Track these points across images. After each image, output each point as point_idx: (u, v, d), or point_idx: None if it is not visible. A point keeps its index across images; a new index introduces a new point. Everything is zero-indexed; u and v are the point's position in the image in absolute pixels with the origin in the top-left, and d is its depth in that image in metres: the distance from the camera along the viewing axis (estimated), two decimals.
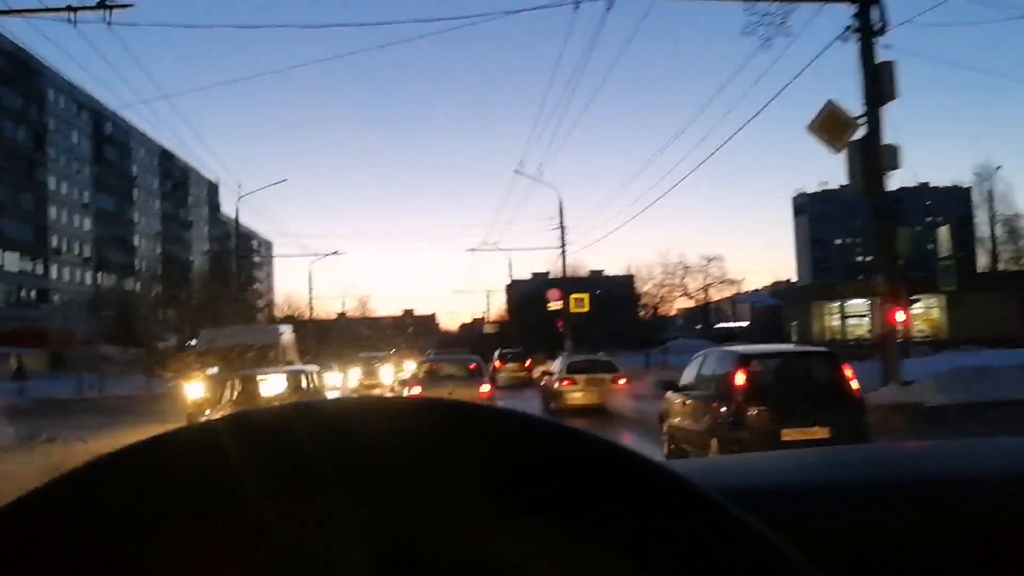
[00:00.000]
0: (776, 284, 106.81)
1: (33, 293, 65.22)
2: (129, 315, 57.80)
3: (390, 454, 0.65)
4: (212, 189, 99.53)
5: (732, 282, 68.61)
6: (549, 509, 0.65)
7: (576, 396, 22.44)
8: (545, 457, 0.64)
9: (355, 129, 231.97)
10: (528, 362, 42.31)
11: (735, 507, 0.62)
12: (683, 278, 61.10)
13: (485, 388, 19.90)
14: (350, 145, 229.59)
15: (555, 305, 46.31)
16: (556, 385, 23.27)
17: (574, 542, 0.72)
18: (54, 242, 67.63)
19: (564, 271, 45.43)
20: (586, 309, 44.27)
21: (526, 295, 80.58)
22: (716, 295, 64.84)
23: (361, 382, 37.63)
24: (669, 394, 13.10)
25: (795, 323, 46.26)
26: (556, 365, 24.81)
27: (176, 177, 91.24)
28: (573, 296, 44.39)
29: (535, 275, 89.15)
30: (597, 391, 22.38)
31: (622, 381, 22.76)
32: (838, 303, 43.14)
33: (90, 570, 0.61)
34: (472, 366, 21.44)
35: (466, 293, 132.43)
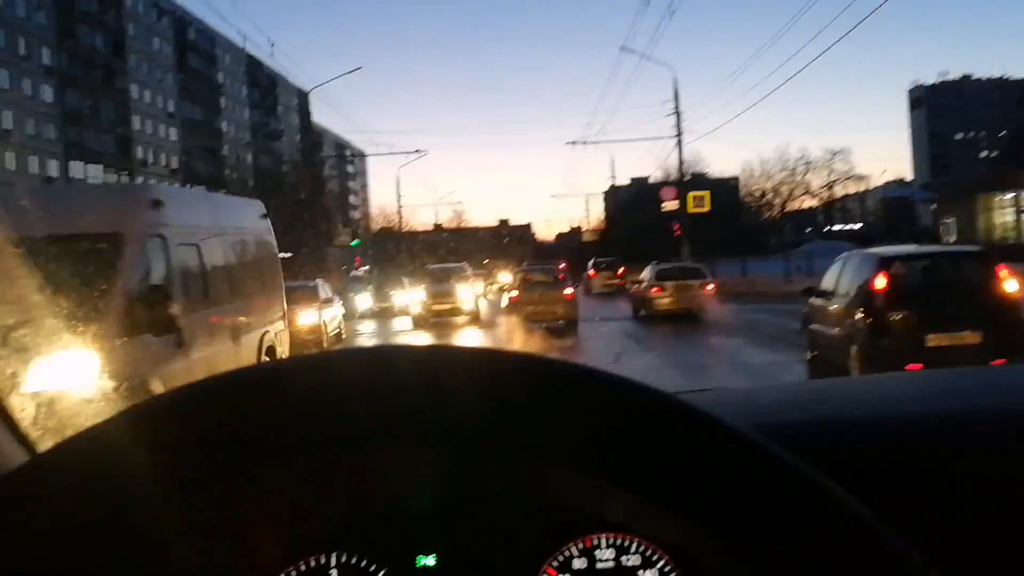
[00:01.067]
0: (886, 185, 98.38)
1: None
2: None
3: (478, 413, 0.64)
4: (302, 97, 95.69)
5: (860, 178, 61.69)
6: (623, 472, 0.64)
7: (664, 302, 23.29)
8: (624, 421, 0.63)
9: (440, 17, 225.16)
10: (621, 270, 41.98)
11: (822, 477, 0.61)
12: (805, 175, 54.79)
13: (568, 291, 23.15)
14: (437, 39, 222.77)
15: (670, 205, 40.39)
16: (645, 292, 24.29)
17: (646, 505, 0.73)
18: (139, 153, 64.87)
19: (680, 163, 39.22)
20: (707, 209, 38.05)
21: (627, 201, 75.25)
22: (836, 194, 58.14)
23: (428, 305, 26.55)
24: (812, 299, 12.41)
25: (947, 221, 39.57)
26: (646, 273, 25.42)
27: (264, 85, 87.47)
28: (692, 194, 38.37)
29: (635, 180, 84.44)
30: (685, 297, 23.13)
31: (710, 287, 23.43)
32: (1012, 195, 35.91)
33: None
34: (560, 276, 24.20)
35: (563, 199, 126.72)
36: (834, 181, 55.46)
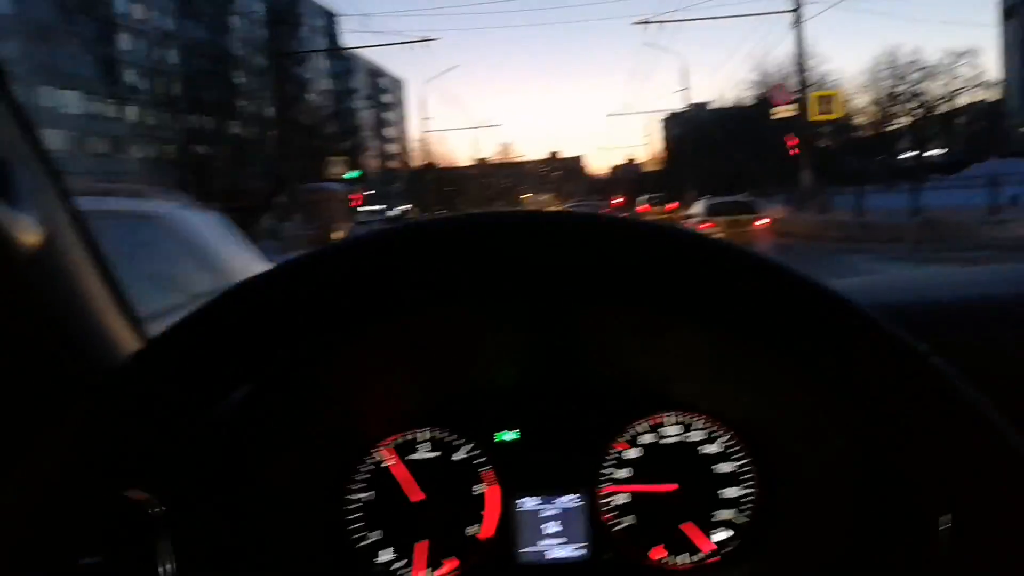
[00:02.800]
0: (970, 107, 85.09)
1: (104, 142, 53.11)
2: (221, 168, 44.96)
3: (550, 268, 0.64)
4: (329, 18, 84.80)
5: (990, 85, 49.49)
6: (701, 318, 0.66)
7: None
8: (696, 266, 0.63)
9: None
10: (672, 205, 42.07)
11: (893, 325, 0.61)
12: (919, 83, 42.89)
13: None
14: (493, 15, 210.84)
15: (783, 111, 29.82)
16: (696, 227, 21.74)
17: (727, 350, 0.81)
18: (128, 78, 54.82)
19: (801, 48, 28.03)
20: (837, 114, 27.74)
21: (692, 126, 63.79)
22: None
23: None
24: None
25: None
26: (697, 208, 24.45)
27: (283, 3, 76.37)
28: (817, 94, 27.82)
29: (693, 106, 72.31)
30: (737, 232, 21.10)
31: (762, 222, 22.06)
32: None
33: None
34: (606, 211, 24.97)
35: (623, 117, 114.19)
36: (958, 90, 43.28)
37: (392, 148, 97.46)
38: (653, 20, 32.65)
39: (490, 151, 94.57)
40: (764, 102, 55.94)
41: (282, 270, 0.63)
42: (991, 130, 50.35)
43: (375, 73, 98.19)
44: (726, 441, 1.03)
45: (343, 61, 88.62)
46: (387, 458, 1.05)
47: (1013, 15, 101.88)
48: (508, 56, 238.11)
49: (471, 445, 1.05)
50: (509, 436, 1.05)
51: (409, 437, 1.05)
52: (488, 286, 0.67)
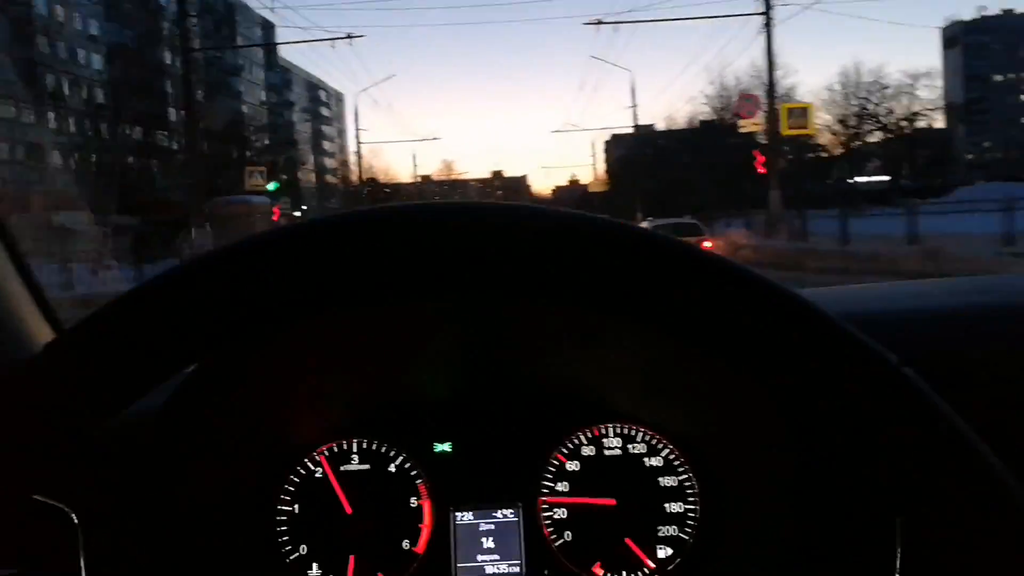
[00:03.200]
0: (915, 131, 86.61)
1: (21, 149, 49.63)
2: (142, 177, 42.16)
3: (488, 257, 0.61)
4: (267, 27, 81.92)
5: (952, 107, 49.05)
6: (642, 317, 0.62)
7: None
8: (642, 264, 0.60)
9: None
10: None
11: (849, 324, 0.59)
12: (877, 105, 42.20)
13: None
14: (438, 28, 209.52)
15: (752, 125, 27.74)
16: None
17: (670, 357, 0.79)
18: (50, 83, 51.47)
19: (769, 50, 26.33)
20: (809, 129, 25.79)
21: (637, 147, 63.11)
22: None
23: None
24: None
25: None
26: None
27: (219, 11, 73.40)
28: (788, 106, 25.71)
29: (639, 127, 72.43)
30: None
31: (707, 244, 20.95)
32: None
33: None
34: None
35: (559, 158, 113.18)
36: (916, 113, 42.66)
37: (331, 163, 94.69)
38: (607, 21, 29.55)
39: (433, 168, 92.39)
40: (714, 124, 55.54)
41: (203, 262, 0.60)
42: (942, 155, 49.81)
43: (314, 86, 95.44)
44: (668, 454, 1.00)
45: (280, 73, 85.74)
46: (318, 468, 1.02)
47: (955, 43, 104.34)
48: (451, 70, 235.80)
49: (405, 456, 1.02)
50: (445, 447, 1.02)
51: (342, 447, 1.02)
52: (420, 281, 0.62)
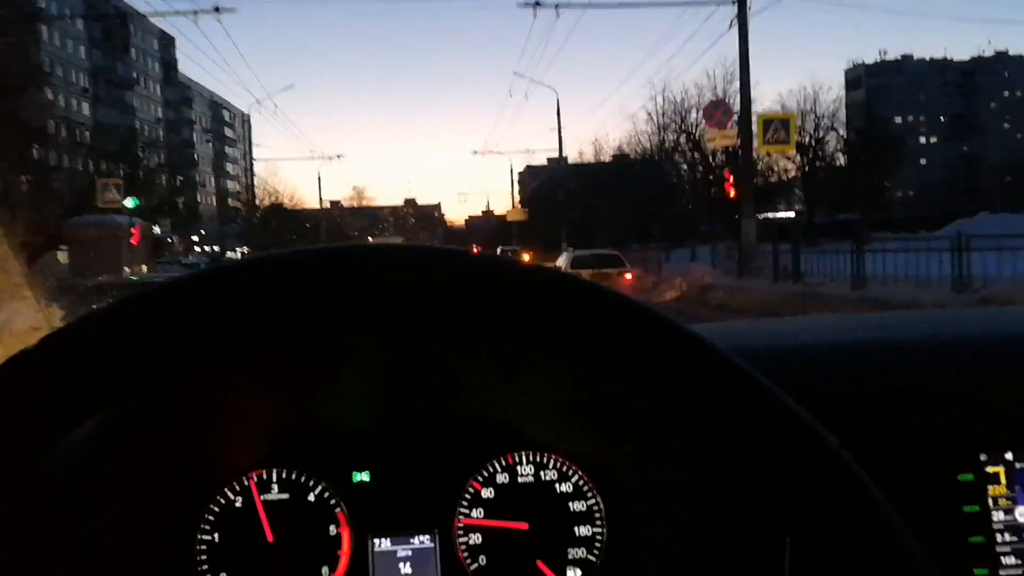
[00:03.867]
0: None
1: None
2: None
3: (410, 299, 0.65)
4: (165, 41, 77.33)
5: (855, 146, 48.43)
6: (556, 353, 0.67)
7: None
8: (554, 303, 0.64)
9: (352, 30, 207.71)
10: (525, 258, 42.19)
11: (744, 362, 0.63)
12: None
13: None
14: (348, 45, 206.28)
15: (721, 138, 22.98)
16: None
17: (580, 389, 0.84)
18: None
19: (745, 34, 24.62)
20: (790, 146, 21.50)
21: (552, 180, 61.79)
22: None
23: None
24: None
25: None
26: (561, 260, 24.37)
27: (111, 20, 68.64)
28: (764, 116, 20.87)
29: (552, 160, 71.35)
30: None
31: (628, 276, 21.96)
32: None
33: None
34: None
35: (470, 195, 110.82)
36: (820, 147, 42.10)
37: (235, 186, 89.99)
38: (545, 4, 23.80)
39: (343, 193, 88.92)
40: (627, 157, 54.37)
41: (132, 302, 0.62)
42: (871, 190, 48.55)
43: (218, 105, 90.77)
44: (578, 480, 1.04)
45: (179, 90, 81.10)
46: (238, 498, 1.02)
47: (858, 85, 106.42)
48: (361, 84, 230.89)
49: (325, 485, 1.03)
50: (364, 477, 1.04)
51: (262, 476, 1.03)
52: (340, 320, 0.66)
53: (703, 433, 0.65)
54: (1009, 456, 0.96)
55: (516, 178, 76.19)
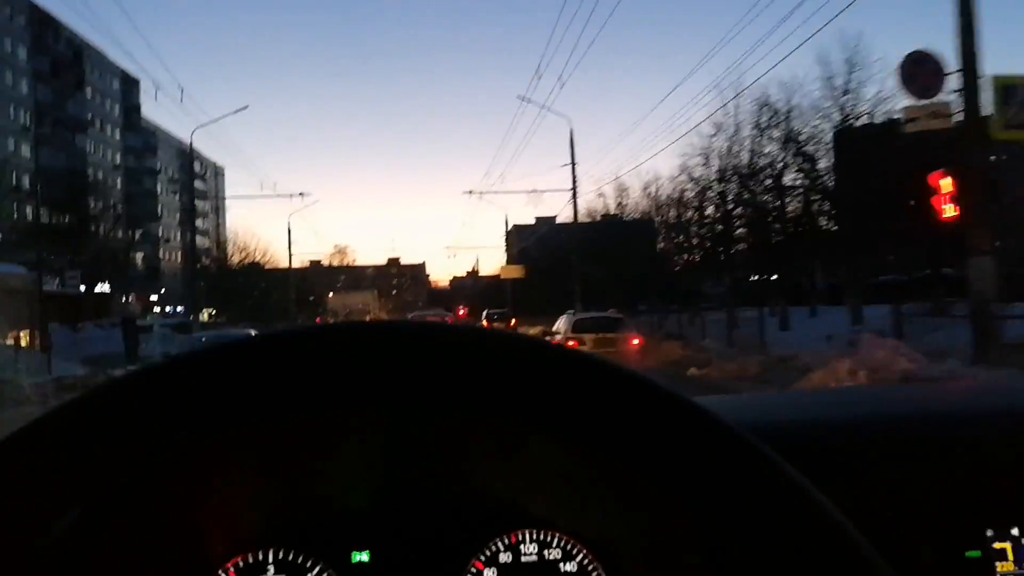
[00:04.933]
0: None
1: None
2: None
3: (408, 376, 0.65)
4: (127, 82, 69.95)
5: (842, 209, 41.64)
6: (560, 430, 0.67)
7: None
8: (557, 379, 0.65)
9: (338, 67, 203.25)
10: (512, 322, 43.40)
11: (752, 437, 0.63)
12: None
13: None
14: (334, 90, 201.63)
15: (930, 119, 13.26)
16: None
17: (583, 465, 0.81)
18: None
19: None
20: None
21: (541, 241, 56.51)
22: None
23: None
24: None
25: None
26: (561, 324, 23.14)
27: (61, 53, 61.15)
28: (1003, 81, 12.96)
29: (540, 220, 67.48)
30: (607, 352, 18.98)
31: (636, 341, 20.27)
32: None
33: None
34: (448, 319, 27.38)
35: (459, 250, 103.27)
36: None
37: (203, 241, 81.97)
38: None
39: (324, 252, 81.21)
40: (616, 218, 49.69)
41: (113, 386, 0.61)
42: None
43: (187, 155, 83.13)
44: (582, 559, 1.00)
45: (142, 136, 73.46)
46: None
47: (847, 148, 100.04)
48: (359, 178, 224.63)
49: (322, 566, 0.98)
50: (363, 557, 1.00)
51: (257, 557, 0.97)
52: (339, 398, 0.66)
53: (708, 507, 0.64)
54: (1015, 532, 0.96)
55: (504, 237, 70.05)
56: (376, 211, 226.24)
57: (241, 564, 0.96)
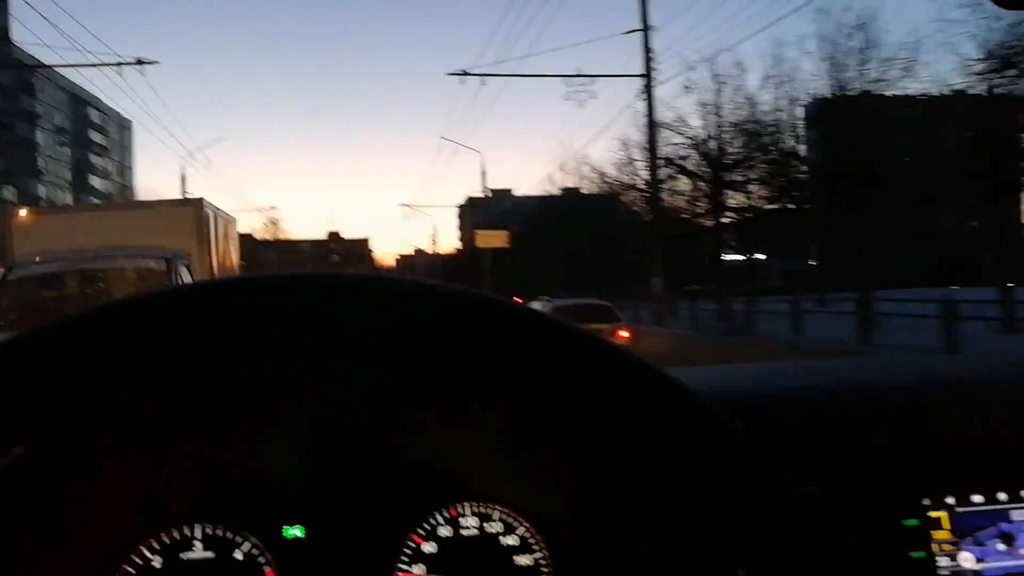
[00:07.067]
0: None
1: None
2: None
3: (342, 330, 0.61)
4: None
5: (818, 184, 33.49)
6: (503, 388, 0.64)
7: None
8: (501, 335, 0.61)
9: (279, 79, 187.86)
10: None
11: (704, 398, 0.62)
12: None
13: None
14: (275, 92, 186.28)
15: None
16: None
17: (526, 433, 0.78)
18: None
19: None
20: None
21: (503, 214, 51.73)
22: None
23: None
24: None
25: None
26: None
27: None
28: None
29: (496, 192, 60.91)
30: None
31: (624, 333, 16.79)
32: None
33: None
34: None
35: (420, 209, 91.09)
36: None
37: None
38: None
39: (256, 228, 68.35)
40: (576, 190, 42.63)
41: (32, 339, 0.57)
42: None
43: (82, 101, 68.87)
44: (523, 533, 0.96)
45: (11, 67, 59.43)
46: (155, 558, 0.90)
47: (816, 124, 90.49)
48: (286, 129, 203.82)
49: (253, 541, 0.92)
50: (296, 531, 0.93)
51: (183, 533, 0.91)
52: (270, 356, 0.61)
53: (651, 468, 0.61)
54: (951, 500, 0.94)
55: (457, 213, 59.12)
56: (317, 191, 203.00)
57: (165, 539, 0.89)
